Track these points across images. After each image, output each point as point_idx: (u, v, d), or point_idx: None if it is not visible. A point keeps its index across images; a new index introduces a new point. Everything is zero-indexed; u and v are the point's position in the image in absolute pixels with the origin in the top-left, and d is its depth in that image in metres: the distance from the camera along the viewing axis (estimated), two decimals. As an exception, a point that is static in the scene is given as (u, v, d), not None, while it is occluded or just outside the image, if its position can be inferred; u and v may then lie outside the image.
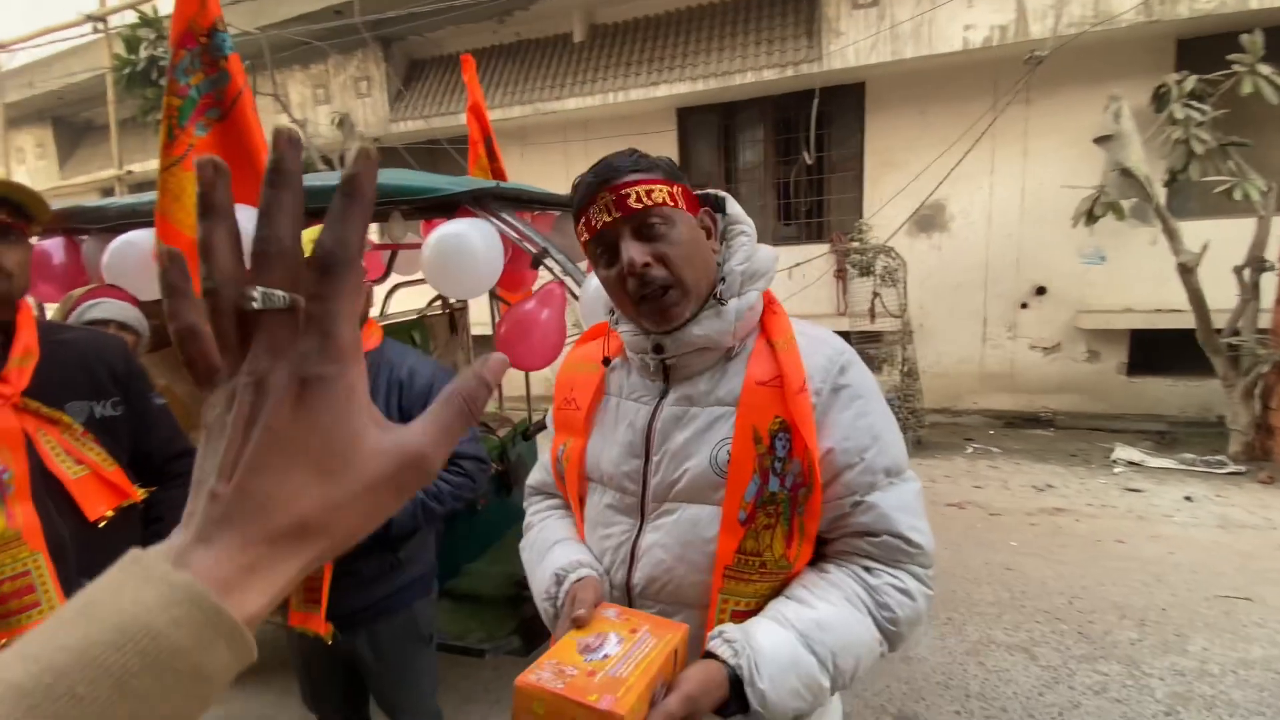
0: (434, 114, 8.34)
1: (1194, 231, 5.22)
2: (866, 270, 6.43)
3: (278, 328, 0.33)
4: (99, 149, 11.17)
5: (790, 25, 6.91)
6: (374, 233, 5.11)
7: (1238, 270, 5.16)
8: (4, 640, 1.28)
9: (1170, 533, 4.19)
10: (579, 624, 0.91)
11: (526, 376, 3.82)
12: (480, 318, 4.41)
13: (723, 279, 1.07)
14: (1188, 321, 5.41)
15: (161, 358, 2.67)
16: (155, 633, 0.28)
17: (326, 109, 8.93)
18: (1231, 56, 4.98)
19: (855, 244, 6.73)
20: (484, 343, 4.28)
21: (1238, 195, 4.98)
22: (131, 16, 7.90)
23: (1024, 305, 6.77)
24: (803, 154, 6.94)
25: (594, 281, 2.03)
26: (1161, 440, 5.94)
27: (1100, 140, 5.41)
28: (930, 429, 6.40)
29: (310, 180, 2.58)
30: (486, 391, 0.37)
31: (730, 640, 0.93)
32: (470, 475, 1.87)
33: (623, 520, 1.13)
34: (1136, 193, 5.26)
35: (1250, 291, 5.15)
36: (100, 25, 8.93)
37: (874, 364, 6.13)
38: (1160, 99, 5.34)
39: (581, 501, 1.21)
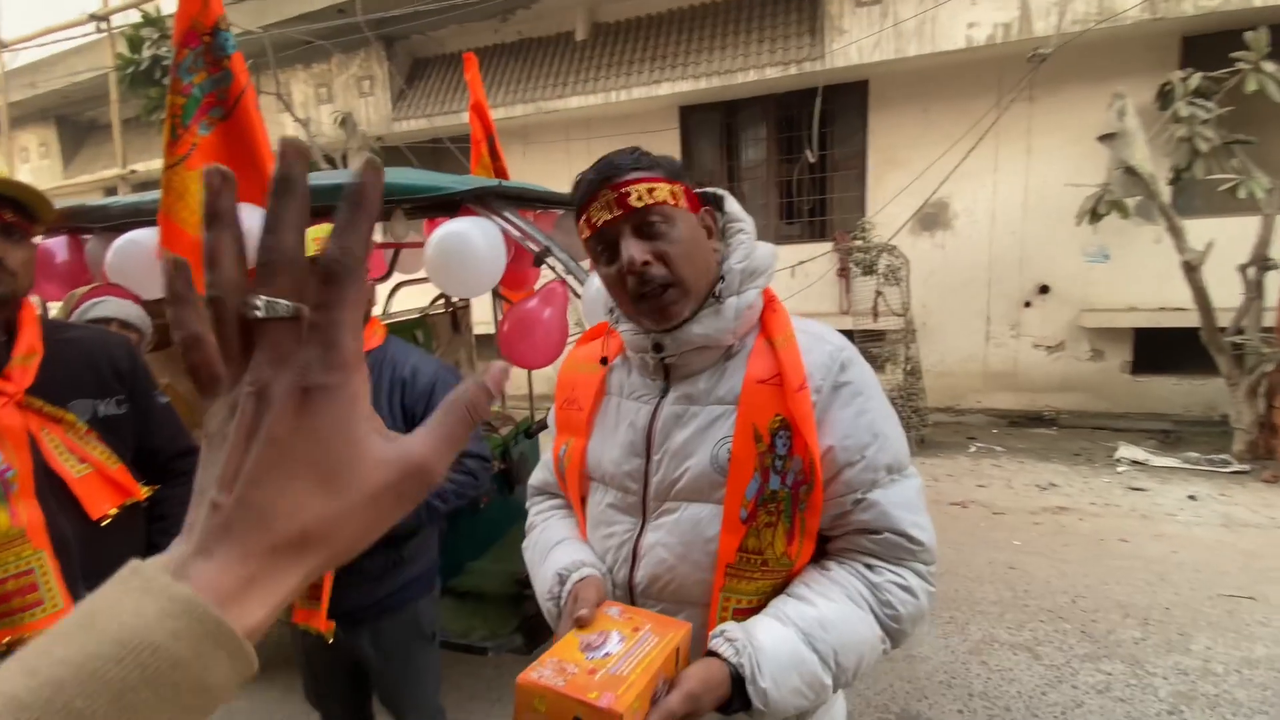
0: (436, 113, 8.35)
1: (1198, 230, 5.20)
2: (870, 269, 6.41)
3: (281, 337, 0.33)
4: (102, 148, 11.19)
5: (793, 23, 6.90)
6: (377, 231, 5.10)
7: (1242, 269, 5.14)
8: (6, 639, 1.28)
9: (1174, 532, 4.18)
10: (581, 623, 0.91)
11: (529, 375, 3.81)
12: (483, 316, 4.41)
13: (721, 277, 1.06)
14: (1192, 320, 5.39)
15: (164, 356, 2.67)
16: (155, 646, 0.27)
17: (329, 108, 8.93)
18: (1235, 54, 4.96)
19: (858, 242, 6.72)
20: (486, 341, 4.29)
21: (1242, 193, 4.96)
22: (135, 16, 7.92)
23: (1027, 304, 6.76)
24: (805, 152, 6.93)
25: (596, 280, 2.03)
26: (1165, 439, 5.92)
27: (1104, 138, 5.38)
28: (933, 428, 6.39)
29: (313, 179, 2.57)
30: (488, 400, 0.37)
31: (732, 639, 0.93)
32: (474, 473, 1.88)
33: (624, 519, 1.13)
34: (1141, 191, 5.24)
35: (1254, 290, 5.13)
36: (103, 24, 8.95)
37: (877, 363, 6.12)
38: (1165, 96, 5.33)
39: (583, 501, 1.21)
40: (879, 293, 6.40)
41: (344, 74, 8.87)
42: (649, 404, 1.12)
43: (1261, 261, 5.08)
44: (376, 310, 2.72)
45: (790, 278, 6.88)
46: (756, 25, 7.05)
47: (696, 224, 1.06)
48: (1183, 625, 3.19)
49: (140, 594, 0.29)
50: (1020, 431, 6.51)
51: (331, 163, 8.45)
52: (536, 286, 2.75)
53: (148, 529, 1.55)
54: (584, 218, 1.05)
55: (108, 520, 1.41)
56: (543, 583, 1.14)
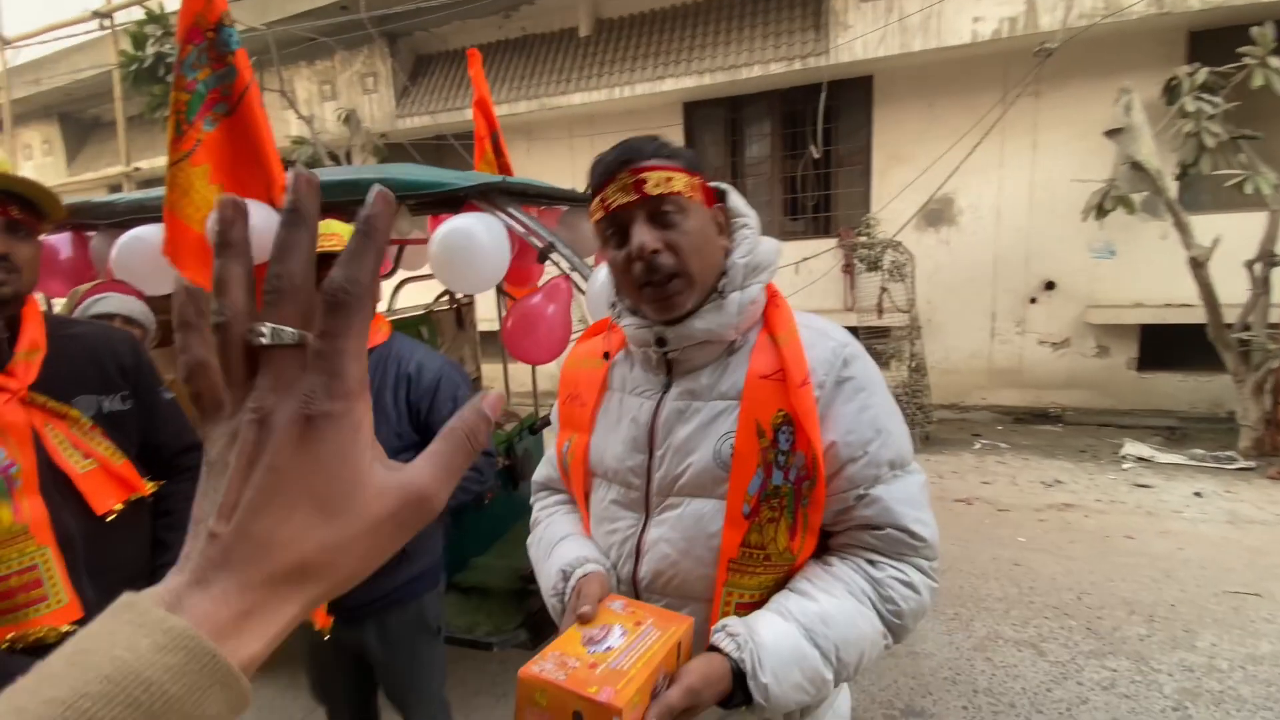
0: (440, 109, 8.35)
1: (1205, 225, 5.18)
2: (874, 265, 6.39)
3: (285, 364, 0.33)
4: (106, 146, 11.22)
5: (797, 18, 6.88)
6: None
7: (1249, 265, 5.12)
8: (10, 634, 1.28)
9: (1179, 528, 4.17)
10: (584, 620, 0.91)
11: (533, 371, 3.82)
12: (487, 313, 4.41)
13: (725, 272, 1.06)
14: (1198, 316, 5.37)
15: (169, 352, 2.68)
16: (147, 682, 0.27)
17: (333, 105, 8.94)
18: (1242, 49, 4.94)
19: (863, 238, 6.69)
20: (491, 338, 4.29)
21: (1249, 189, 4.93)
22: (138, 12, 7.93)
23: (1033, 300, 6.73)
24: (810, 148, 6.90)
25: (600, 276, 2.03)
26: (1171, 436, 5.91)
27: (1111, 133, 5.36)
28: (938, 425, 6.38)
29: (318, 174, 2.58)
30: (487, 426, 0.37)
31: (733, 634, 0.93)
32: (478, 469, 1.88)
33: (628, 515, 1.13)
34: (1147, 186, 5.22)
35: (1261, 286, 5.11)
36: (107, 21, 8.97)
37: (882, 359, 6.10)
38: (1171, 92, 5.30)
39: (587, 497, 1.21)
40: (884, 289, 6.38)
41: (347, 71, 8.87)
42: (651, 399, 1.11)
43: (1268, 257, 5.05)
44: (381, 306, 2.72)
45: (794, 274, 6.87)
46: (761, 20, 7.03)
47: (709, 218, 1.06)
48: (1188, 622, 3.18)
49: (133, 628, 0.28)
50: (1025, 428, 6.49)
51: (335, 160, 8.46)
52: (540, 283, 2.75)
53: (152, 524, 1.55)
54: (599, 198, 1.05)
55: (112, 516, 1.42)
56: (547, 579, 1.14)
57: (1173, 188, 5.30)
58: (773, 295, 1.11)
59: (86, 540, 1.38)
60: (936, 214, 6.82)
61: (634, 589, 1.10)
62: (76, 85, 10.42)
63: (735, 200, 1.13)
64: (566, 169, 8.00)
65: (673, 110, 7.74)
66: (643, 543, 1.09)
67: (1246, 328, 5.17)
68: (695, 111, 7.76)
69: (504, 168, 3.40)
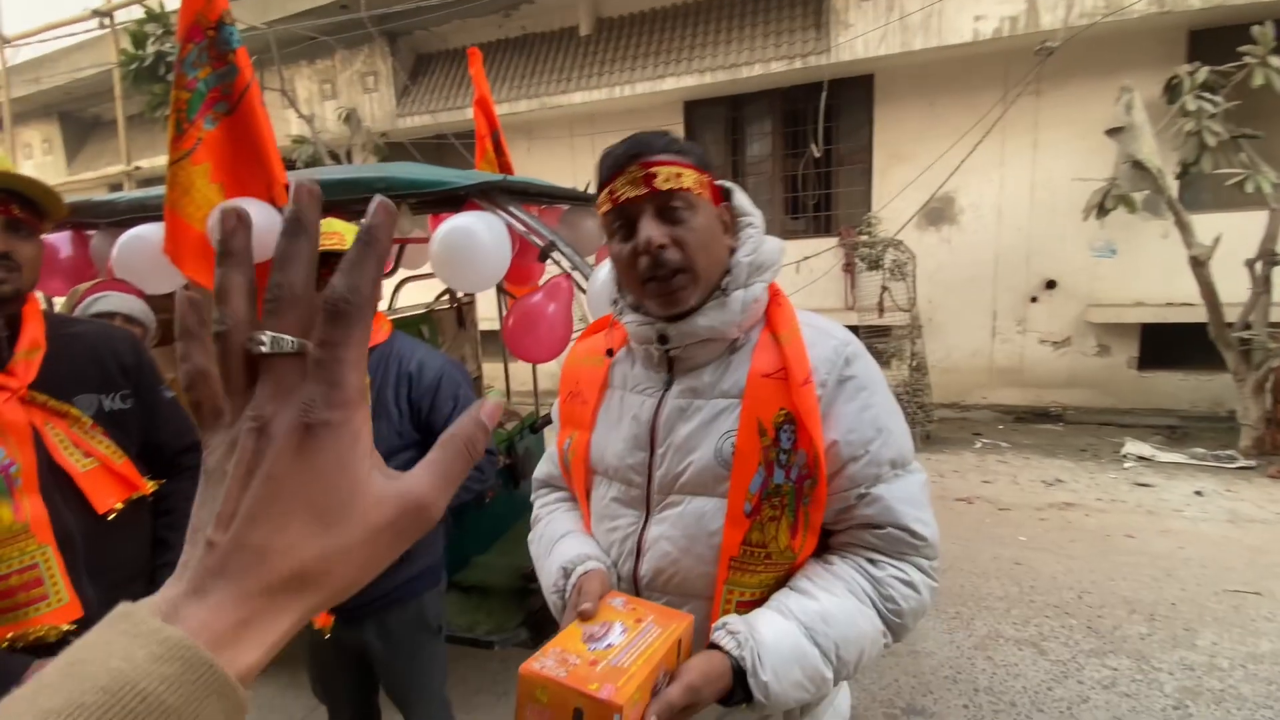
0: (441, 108, 8.35)
1: (1206, 224, 5.18)
2: (875, 264, 6.38)
3: (285, 372, 0.33)
4: (106, 145, 11.22)
5: (798, 17, 6.88)
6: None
7: (1249, 263, 5.11)
8: (10, 634, 1.28)
9: (1180, 527, 4.17)
10: (585, 618, 0.91)
11: (534, 369, 3.82)
12: (488, 312, 4.41)
13: (728, 270, 1.06)
14: (1199, 315, 5.37)
15: (169, 351, 2.68)
16: (144, 693, 0.26)
17: (333, 104, 8.94)
18: (1243, 48, 4.93)
19: (864, 237, 6.69)
20: (491, 336, 4.29)
21: (1250, 188, 4.93)
22: (138, 11, 7.93)
23: (1034, 299, 6.73)
24: (811, 147, 6.89)
25: (601, 275, 2.03)
26: (1172, 435, 5.90)
27: (1111, 132, 5.36)
28: (939, 424, 6.37)
29: (319, 173, 2.58)
30: (485, 435, 0.37)
31: (734, 632, 0.93)
32: (479, 468, 1.88)
33: (628, 513, 1.12)
34: (1148, 185, 5.22)
35: (1262, 285, 5.10)
36: (107, 20, 8.97)
37: (882, 358, 6.10)
38: (1172, 90, 5.30)
39: (587, 494, 1.21)
40: (885, 288, 6.38)
41: (348, 70, 8.87)
42: (653, 397, 1.11)
43: (1269, 256, 5.05)
44: (382, 305, 2.72)
45: (795, 273, 6.86)
46: (761, 19, 7.03)
47: (715, 216, 1.06)
48: (1189, 621, 3.18)
49: (129, 638, 0.28)
50: (1026, 427, 6.49)
51: (336, 159, 8.46)
52: (541, 281, 2.75)
53: (153, 523, 1.55)
54: (607, 190, 1.04)
55: (113, 515, 1.42)
56: (548, 576, 1.14)
57: (1173, 187, 5.30)
58: (775, 294, 1.11)
59: (87, 539, 1.38)
60: (937, 213, 6.82)
61: (634, 587, 1.10)
62: (77, 84, 10.42)
63: (741, 199, 1.13)
64: (567, 168, 8.00)
65: (673, 109, 7.74)
66: (643, 540, 1.09)
67: (1247, 326, 5.16)
68: (696, 110, 7.76)
69: (505, 167, 3.40)
